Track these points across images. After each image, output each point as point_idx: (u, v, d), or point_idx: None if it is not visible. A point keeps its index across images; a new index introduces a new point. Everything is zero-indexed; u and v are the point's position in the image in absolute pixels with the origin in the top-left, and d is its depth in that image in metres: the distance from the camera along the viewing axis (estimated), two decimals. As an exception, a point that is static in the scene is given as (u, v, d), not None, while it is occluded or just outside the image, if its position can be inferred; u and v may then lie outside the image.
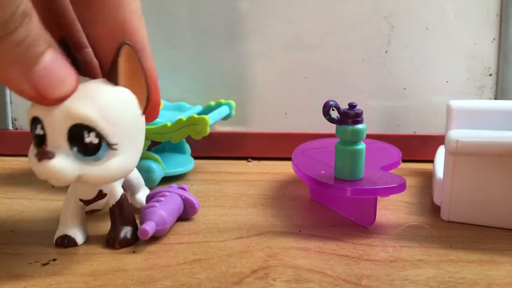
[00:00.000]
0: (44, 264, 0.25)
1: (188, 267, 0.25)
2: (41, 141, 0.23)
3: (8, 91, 0.48)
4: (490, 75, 0.47)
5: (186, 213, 0.31)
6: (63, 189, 0.37)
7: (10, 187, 0.38)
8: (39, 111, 0.23)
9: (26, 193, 0.37)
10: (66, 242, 0.27)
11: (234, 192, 0.37)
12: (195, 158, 0.44)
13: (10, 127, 0.49)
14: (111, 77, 0.24)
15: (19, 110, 0.49)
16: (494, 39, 0.46)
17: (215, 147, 0.48)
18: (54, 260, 0.25)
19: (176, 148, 0.44)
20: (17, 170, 0.43)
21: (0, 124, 0.49)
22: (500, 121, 0.35)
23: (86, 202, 0.27)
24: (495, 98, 0.47)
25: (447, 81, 0.47)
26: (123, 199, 0.28)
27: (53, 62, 0.22)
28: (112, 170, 0.23)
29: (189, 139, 0.42)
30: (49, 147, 0.23)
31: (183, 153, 0.44)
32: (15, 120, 0.49)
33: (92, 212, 0.30)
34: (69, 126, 0.22)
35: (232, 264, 0.25)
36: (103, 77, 0.25)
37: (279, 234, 0.29)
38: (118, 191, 0.28)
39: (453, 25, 0.46)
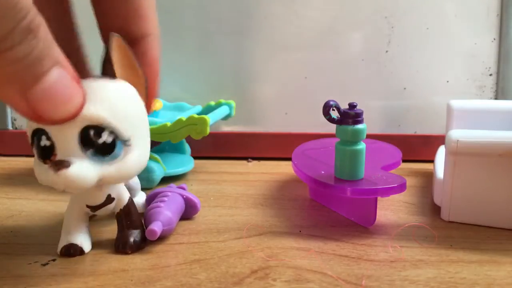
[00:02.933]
0: (44, 264, 0.25)
1: (188, 267, 0.25)
2: (48, 152, 0.22)
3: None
4: (490, 75, 0.47)
5: (188, 213, 0.31)
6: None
7: (10, 187, 0.38)
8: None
9: (26, 193, 0.37)
10: (72, 251, 0.26)
11: (234, 192, 0.37)
12: (195, 158, 0.44)
13: (10, 127, 0.49)
14: (107, 71, 0.24)
15: (19, 110, 0.49)
16: (494, 39, 0.46)
17: (215, 147, 0.48)
18: (54, 260, 0.25)
19: (176, 148, 0.44)
20: (17, 170, 0.43)
21: None
22: (500, 121, 0.35)
23: (94, 208, 0.26)
24: (496, 98, 0.47)
25: (447, 81, 0.47)
26: (130, 203, 0.27)
27: (56, 83, 0.20)
28: (131, 166, 0.23)
29: (189, 139, 0.42)
30: (60, 156, 0.22)
31: (183, 153, 0.44)
32: (14, 120, 0.49)
33: (92, 216, 0.30)
34: (80, 129, 0.22)
35: (232, 264, 0.25)
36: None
37: (279, 234, 0.29)
38: (126, 195, 0.27)
39: (453, 25, 0.46)
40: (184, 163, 0.42)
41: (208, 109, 0.45)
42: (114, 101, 0.23)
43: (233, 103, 0.45)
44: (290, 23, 0.47)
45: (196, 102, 0.47)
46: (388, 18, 0.46)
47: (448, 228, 0.30)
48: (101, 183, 0.23)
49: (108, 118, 0.22)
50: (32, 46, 0.19)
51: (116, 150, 0.23)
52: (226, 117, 0.45)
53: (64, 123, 0.21)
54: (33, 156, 0.24)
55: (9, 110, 0.49)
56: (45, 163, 0.23)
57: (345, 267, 0.25)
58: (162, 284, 0.23)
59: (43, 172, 0.22)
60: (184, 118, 0.38)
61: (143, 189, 0.38)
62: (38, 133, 0.22)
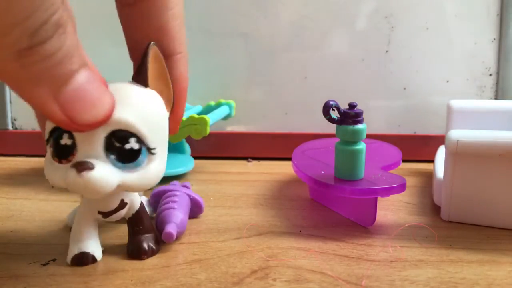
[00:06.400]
0: (44, 264, 0.25)
1: (188, 268, 0.25)
2: (67, 151, 0.21)
3: (8, 91, 0.48)
4: (490, 75, 0.47)
5: (192, 213, 0.31)
6: (63, 189, 0.37)
7: (10, 187, 0.38)
8: None
9: (26, 193, 0.37)
10: (84, 259, 0.25)
11: (234, 192, 0.37)
12: (195, 158, 0.44)
13: (10, 127, 0.49)
14: (140, 78, 0.23)
15: (19, 110, 0.49)
16: (494, 39, 0.46)
17: (215, 147, 0.48)
18: (54, 260, 0.25)
19: (176, 148, 0.44)
20: (17, 170, 0.43)
21: None
22: (500, 121, 0.35)
23: (106, 214, 0.25)
24: (496, 98, 0.47)
25: (447, 81, 0.47)
26: (142, 207, 0.26)
27: (86, 83, 0.20)
28: (151, 175, 0.23)
29: (189, 139, 0.42)
30: (80, 157, 0.21)
31: (183, 153, 0.44)
32: (14, 120, 0.49)
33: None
34: (108, 133, 0.21)
35: (232, 264, 0.25)
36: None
37: (279, 234, 0.29)
38: (138, 199, 0.26)
39: (453, 25, 0.46)
40: (184, 163, 0.42)
41: (208, 109, 0.45)
42: (145, 108, 0.22)
43: (233, 103, 0.45)
44: (290, 23, 0.47)
45: (196, 102, 0.47)
46: (388, 18, 0.46)
47: (448, 228, 0.30)
48: (119, 190, 0.22)
49: (138, 124, 0.22)
50: (61, 41, 0.19)
51: (140, 158, 0.22)
52: (226, 117, 0.45)
53: (95, 128, 0.21)
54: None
55: (9, 110, 0.49)
56: (60, 162, 0.22)
57: (345, 267, 0.25)
58: (162, 284, 0.23)
59: (58, 172, 0.22)
60: (184, 118, 0.38)
61: (143, 189, 0.38)
62: (58, 131, 0.22)
